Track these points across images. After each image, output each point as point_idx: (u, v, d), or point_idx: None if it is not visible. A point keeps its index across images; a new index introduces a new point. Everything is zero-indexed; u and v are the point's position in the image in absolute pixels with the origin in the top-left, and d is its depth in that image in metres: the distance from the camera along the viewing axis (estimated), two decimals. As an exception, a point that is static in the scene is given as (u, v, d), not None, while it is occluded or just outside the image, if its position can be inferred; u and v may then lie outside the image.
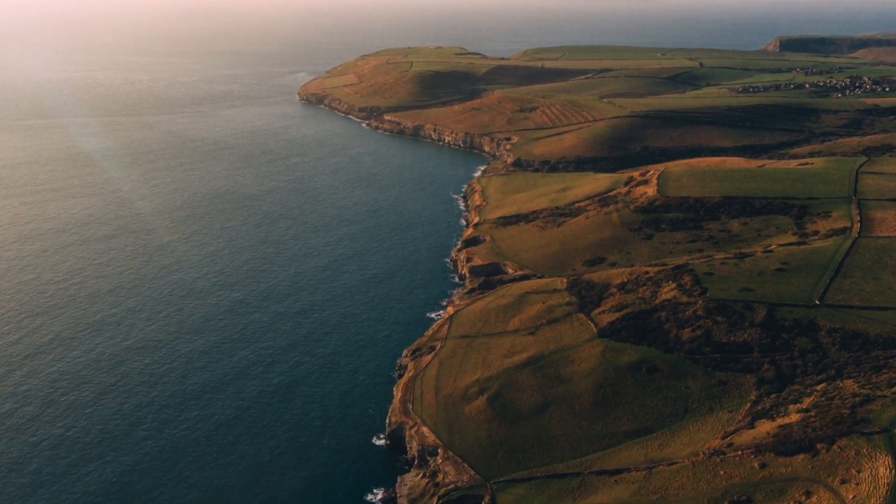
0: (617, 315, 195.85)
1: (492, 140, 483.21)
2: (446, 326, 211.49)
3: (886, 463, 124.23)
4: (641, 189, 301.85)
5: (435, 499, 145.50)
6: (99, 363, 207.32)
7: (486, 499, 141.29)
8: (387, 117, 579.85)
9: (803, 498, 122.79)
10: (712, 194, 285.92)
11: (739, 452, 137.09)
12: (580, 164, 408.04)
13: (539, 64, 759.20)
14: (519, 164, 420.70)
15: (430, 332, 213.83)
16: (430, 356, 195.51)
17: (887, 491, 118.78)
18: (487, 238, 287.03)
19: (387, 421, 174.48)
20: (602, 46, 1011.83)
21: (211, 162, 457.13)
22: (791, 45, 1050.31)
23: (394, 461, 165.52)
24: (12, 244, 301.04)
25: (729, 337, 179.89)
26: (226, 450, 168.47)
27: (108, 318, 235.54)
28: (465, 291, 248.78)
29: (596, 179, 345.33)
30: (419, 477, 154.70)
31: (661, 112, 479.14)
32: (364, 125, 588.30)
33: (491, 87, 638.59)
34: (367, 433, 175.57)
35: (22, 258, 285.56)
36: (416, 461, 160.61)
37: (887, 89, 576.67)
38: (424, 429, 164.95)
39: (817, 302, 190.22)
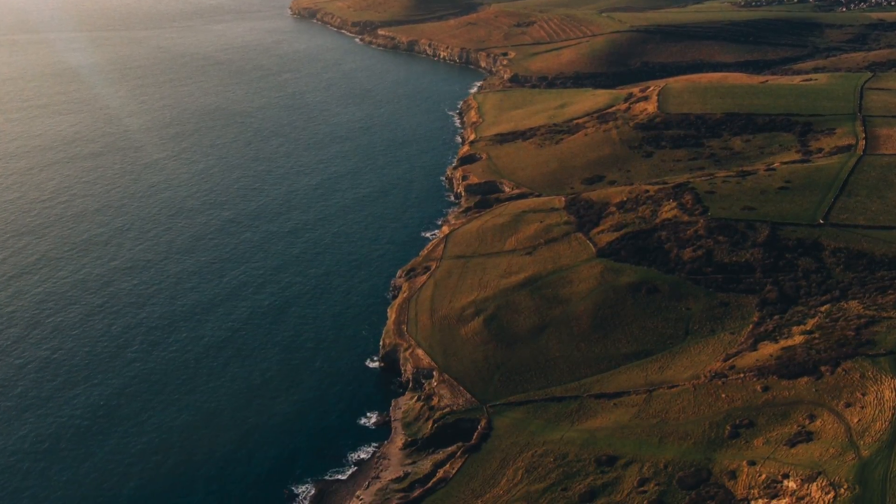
0: (616, 235, 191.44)
1: (488, 55, 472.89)
2: (441, 246, 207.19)
3: (892, 386, 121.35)
4: (641, 105, 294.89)
5: (430, 422, 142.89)
6: (86, 284, 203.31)
7: (483, 422, 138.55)
8: (380, 32, 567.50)
9: (807, 422, 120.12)
10: (714, 111, 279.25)
11: (741, 375, 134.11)
12: (579, 79, 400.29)
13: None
14: (516, 80, 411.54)
15: (424, 251, 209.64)
16: (424, 276, 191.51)
17: (893, 414, 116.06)
18: (484, 156, 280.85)
19: (381, 343, 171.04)
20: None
21: (201, 78, 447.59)
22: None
23: (388, 384, 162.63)
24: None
25: (731, 257, 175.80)
26: (216, 372, 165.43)
27: (95, 238, 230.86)
28: (460, 210, 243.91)
29: (595, 96, 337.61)
30: (414, 400, 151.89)
31: (662, 26, 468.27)
32: (357, 40, 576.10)
33: (487, 0, 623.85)
34: (360, 355, 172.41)
35: (7, 176, 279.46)
36: (410, 384, 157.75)
37: (893, 3, 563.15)
38: (419, 351, 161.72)
39: (821, 221, 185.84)
